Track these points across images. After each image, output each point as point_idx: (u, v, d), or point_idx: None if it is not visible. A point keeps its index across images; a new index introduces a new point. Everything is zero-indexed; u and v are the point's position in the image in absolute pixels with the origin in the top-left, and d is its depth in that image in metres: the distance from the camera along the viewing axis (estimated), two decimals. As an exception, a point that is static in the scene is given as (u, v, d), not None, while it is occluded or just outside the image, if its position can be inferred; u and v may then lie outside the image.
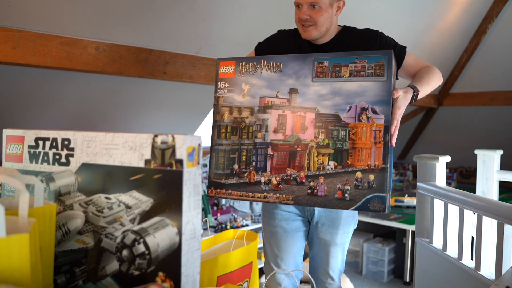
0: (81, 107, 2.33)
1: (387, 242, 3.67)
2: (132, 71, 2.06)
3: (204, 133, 3.48)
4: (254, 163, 1.40)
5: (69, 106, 2.28)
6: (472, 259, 1.69)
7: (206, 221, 3.19)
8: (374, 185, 1.27)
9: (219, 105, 1.47)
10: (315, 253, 1.69)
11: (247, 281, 2.41)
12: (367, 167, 1.28)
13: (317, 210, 1.62)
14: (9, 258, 0.55)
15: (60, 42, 1.79)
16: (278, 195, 1.36)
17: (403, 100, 1.36)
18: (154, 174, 0.70)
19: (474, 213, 1.67)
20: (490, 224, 1.55)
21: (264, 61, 1.42)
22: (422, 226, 2.04)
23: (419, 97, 1.47)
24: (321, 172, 1.33)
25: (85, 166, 0.76)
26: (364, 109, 1.30)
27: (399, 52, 1.55)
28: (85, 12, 1.80)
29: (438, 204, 1.91)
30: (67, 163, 0.78)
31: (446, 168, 2.06)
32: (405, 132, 6.01)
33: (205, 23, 2.24)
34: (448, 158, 2.01)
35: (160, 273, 0.69)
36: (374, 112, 1.29)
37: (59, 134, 0.80)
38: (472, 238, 1.72)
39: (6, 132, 0.85)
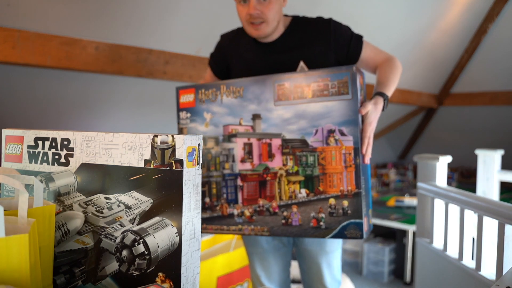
0: (80, 107, 2.33)
1: (387, 242, 3.66)
2: (132, 71, 2.06)
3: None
4: (225, 195, 1.35)
5: (69, 106, 2.28)
6: (472, 259, 1.69)
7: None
8: (349, 211, 1.21)
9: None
10: (307, 268, 1.57)
11: (247, 281, 2.41)
12: (340, 193, 1.23)
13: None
14: (9, 259, 0.55)
15: (59, 42, 1.79)
16: (252, 227, 1.32)
17: (373, 114, 1.28)
18: (154, 174, 0.69)
19: (474, 213, 1.67)
20: (490, 224, 1.55)
21: (223, 87, 1.35)
22: (422, 226, 2.03)
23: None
24: (293, 201, 1.27)
25: (84, 166, 0.76)
26: (331, 131, 1.23)
27: (356, 44, 1.42)
28: (85, 12, 1.79)
29: (439, 204, 1.91)
30: (66, 163, 0.78)
31: (447, 168, 2.06)
32: (406, 132, 6.01)
33: (205, 23, 2.24)
34: (449, 158, 2.01)
35: (160, 274, 0.69)
36: (342, 133, 1.22)
37: (59, 134, 0.79)
38: (473, 238, 1.71)
39: (6, 132, 0.85)
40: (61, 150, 0.79)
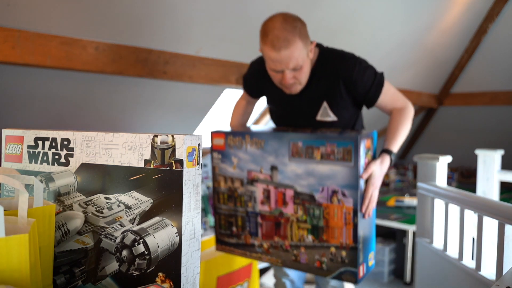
0: (80, 107, 2.33)
1: (387, 242, 3.66)
2: (132, 71, 2.06)
3: (203, 133, 3.48)
4: (248, 228, 1.56)
5: (69, 106, 2.28)
6: (472, 259, 1.69)
7: (206, 221, 3.19)
8: (346, 261, 1.39)
9: (216, 174, 1.61)
10: None
11: (247, 281, 2.41)
12: (339, 244, 1.40)
13: None
14: (9, 259, 0.55)
15: (59, 42, 1.79)
16: (269, 257, 1.53)
17: (377, 174, 1.42)
18: (154, 174, 0.69)
19: (474, 213, 1.67)
20: (490, 224, 1.55)
21: (247, 137, 1.51)
22: (422, 226, 2.03)
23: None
24: (301, 243, 1.47)
25: (84, 166, 0.76)
26: (334, 192, 1.39)
27: (374, 92, 1.51)
28: (85, 12, 1.79)
29: (439, 204, 1.91)
30: (66, 163, 0.78)
31: (447, 168, 2.06)
32: (405, 132, 6.01)
33: (205, 23, 2.23)
34: (449, 158, 2.01)
35: (160, 274, 0.69)
36: (344, 195, 1.38)
37: (59, 134, 0.79)
38: (473, 238, 1.71)
39: (5, 132, 0.85)
40: (61, 150, 0.79)
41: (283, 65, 1.39)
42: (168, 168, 0.68)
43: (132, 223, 0.71)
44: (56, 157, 0.79)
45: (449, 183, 4.73)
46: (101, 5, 1.80)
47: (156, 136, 0.69)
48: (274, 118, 1.75)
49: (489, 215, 1.48)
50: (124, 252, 0.71)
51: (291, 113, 1.63)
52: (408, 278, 3.46)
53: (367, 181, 1.41)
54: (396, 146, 1.50)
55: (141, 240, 0.70)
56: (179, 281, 0.68)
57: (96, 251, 0.74)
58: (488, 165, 2.55)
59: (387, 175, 5.52)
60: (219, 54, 2.48)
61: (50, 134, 0.80)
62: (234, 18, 2.33)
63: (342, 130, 1.51)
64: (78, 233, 0.76)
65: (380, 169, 1.43)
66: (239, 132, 1.54)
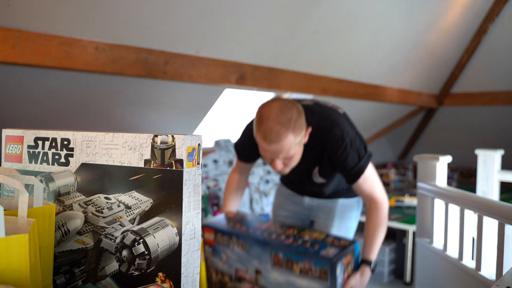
0: (80, 107, 2.33)
1: (387, 242, 3.66)
2: (132, 71, 2.06)
3: (203, 133, 3.47)
4: None
5: (69, 106, 2.28)
6: (472, 259, 1.69)
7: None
8: None
9: (208, 264, 1.66)
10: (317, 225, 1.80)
11: (247, 281, 2.41)
12: None
13: (313, 205, 1.80)
14: (9, 259, 0.55)
15: (59, 42, 1.79)
16: None
17: (358, 286, 1.45)
18: (154, 174, 0.69)
19: (474, 213, 1.67)
20: (490, 224, 1.55)
21: (234, 238, 1.55)
22: (422, 226, 2.03)
23: None
24: None
25: (84, 166, 0.76)
26: None
27: (352, 177, 1.52)
28: (85, 12, 1.79)
29: (439, 204, 1.91)
30: (66, 163, 0.78)
31: (447, 168, 2.06)
32: (405, 132, 6.01)
33: (205, 23, 2.23)
34: (449, 158, 2.01)
35: (160, 274, 0.69)
36: None
37: (59, 134, 0.79)
38: (473, 238, 1.71)
39: (5, 132, 0.85)
40: (61, 150, 0.79)
41: (273, 154, 1.41)
42: (168, 168, 0.68)
43: (132, 223, 0.71)
44: (56, 157, 0.79)
45: (449, 183, 4.74)
46: (101, 5, 1.80)
47: (156, 136, 0.69)
48: None
49: (489, 215, 1.48)
50: (124, 252, 0.71)
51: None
52: (408, 278, 3.46)
53: None
54: (375, 253, 1.53)
55: (141, 240, 0.70)
56: (179, 281, 0.68)
57: (96, 251, 0.74)
58: (488, 165, 2.55)
59: (386, 175, 5.52)
60: (219, 54, 2.48)
61: (50, 134, 0.80)
62: (234, 18, 2.32)
63: (323, 241, 1.48)
64: (78, 233, 0.76)
65: (360, 282, 1.47)
66: (227, 231, 1.57)
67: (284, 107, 1.39)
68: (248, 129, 1.68)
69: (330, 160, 1.52)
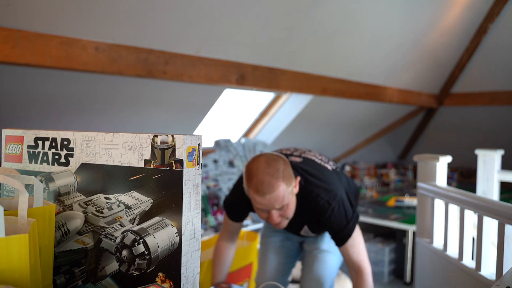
0: (80, 107, 2.33)
1: (387, 242, 3.66)
2: (132, 71, 2.06)
3: (203, 133, 3.47)
4: None
5: (69, 106, 2.28)
6: (472, 259, 1.69)
7: (206, 221, 3.19)
8: None
9: None
10: (304, 261, 1.83)
11: (247, 281, 2.41)
12: None
13: (304, 238, 1.83)
14: (9, 259, 0.55)
15: (59, 42, 1.79)
16: None
17: None
18: (154, 174, 0.69)
19: (474, 213, 1.67)
20: (490, 224, 1.55)
21: None
22: (422, 226, 2.03)
23: None
24: None
25: (84, 166, 0.76)
26: None
27: (338, 241, 1.53)
28: (85, 12, 1.79)
29: (439, 204, 1.91)
30: (66, 163, 0.78)
31: (447, 168, 2.06)
32: (405, 132, 6.01)
33: (205, 23, 2.23)
34: (449, 158, 2.01)
35: (160, 274, 0.69)
36: None
37: (59, 134, 0.79)
38: (473, 238, 1.71)
39: (6, 132, 0.85)
40: (61, 150, 0.79)
41: (269, 206, 1.42)
42: (168, 168, 0.68)
43: (132, 223, 0.71)
44: (56, 157, 0.79)
45: (449, 183, 4.74)
46: (101, 5, 1.80)
47: (156, 136, 0.69)
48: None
49: (489, 215, 1.48)
50: (124, 252, 0.71)
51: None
52: (408, 278, 3.46)
53: None
54: None
55: (141, 240, 0.70)
56: (179, 281, 0.68)
57: (96, 251, 0.74)
58: (488, 165, 2.55)
59: (386, 175, 5.52)
60: (219, 54, 2.48)
61: (50, 134, 0.80)
62: (234, 18, 2.33)
63: None
64: (78, 233, 0.76)
65: None
66: None
67: (270, 159, 1.42)
68: (238, 186, 1.65)
69: (318, 222, 1.54)
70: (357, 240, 1.55)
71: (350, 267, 1.58)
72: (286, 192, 1.41)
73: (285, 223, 1.51)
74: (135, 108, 2.58)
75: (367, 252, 1.60)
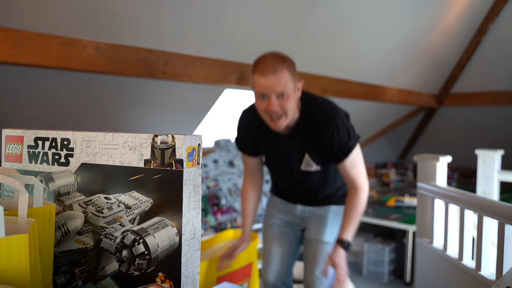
0: (80, 107, 2.33)
1: (387, 242, 3.66)
2: (132, 71, 2.06)
3: (203, 133, 3.47)
4: None
5: (69, 106, 2.28)
6: (472, 259, 1.69)
7: (206, 221, 3.19)
8: None
9: None
10: (306, 255, 1.83)
11: (247, 281, 2.41)
12: None
13: (305, 212, 1.81)
14: (9, 259, 0.55)
15: (59, 42, 1.79)
16: None
17: (337, 260, 1.57)
18: (154, 174, 0.69)
19: (474, 213, 1.67)
20: (491, 224, 1.55)
21: None
22: (422, 226, 2.03)
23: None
24: None
25: (84, 166, 0.76)
26: None
27: (340, 155, 1.59)
28: (85, 12, 1.79)
29: (439, 204, 1.91)
30: (66, 163, 0.78)
31: (447, 168, 2.06)
32: (406, 132, 6.01)
33: (205, 23, 2.23)
34: (449, 158, 2.01)
35: (160, 274, 0.69)
36: None
37: (59, 134, 0.79)
38: (473, 238, 1.71)
39: (6, 132, 0.85)
40: (61, 150, 0.79)
41: (269, 89, 1.45)
42: (168, 168, 0.68)
43: (132, 223, 0.71)
44: (56, 157, 0.79)
45: (449, 183, 4.74)
46: (101, 5, 1.80)
47: (156, 136, 0.69)
48: (267, 166, 1.85)
49: (489, 215, 1.48)
50: (124, 252, 0.71)
51: (280, 162, 1.72)
52: (408, 278, 3.46)
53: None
54: (350, 234, 1.62)
55: (141, 240, 0.70)
56: (179, 281, 0.68)
57: (96, 251, 0.74)
58: (488, 165, 2.55)
59: (386, 175, 5.52)
60: (219, 54, 2.48)
61: (50, 134, 0.80)
62: (234, 18, 2.33)
63: None
64: (78, 233, 0.76)
65: (338, 259, 1.58)
66: None
67: (278, 54, 1.50)
68: (243, 117, 1.74)
69: (320, 140, 1.57)
70: (357, 160, 1.61)
71: (347, 184, 1.66)
72: (289, 82, 1.46)
73: (283, 121, 1.51)
74: (135, 108, 2.58)
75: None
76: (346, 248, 1.60)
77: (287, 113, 1.50)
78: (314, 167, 1.66)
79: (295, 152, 1.64)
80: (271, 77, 1.43)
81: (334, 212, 1.78)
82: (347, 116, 1.67)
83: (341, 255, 1.59)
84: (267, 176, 3.91)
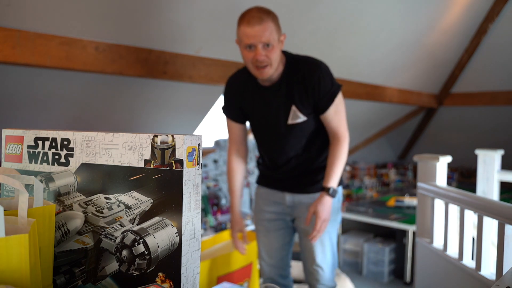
0: (80, 107, 2.33)
1: (387, 242, 3.66)
2: (132, 71, 2.06)
3: (203, 133, 3.47)
4: None
5: (69, 106, 2.28)
6: (472, 259, 1.69)
7: (206, 221, 3.19)
8: None
9: None
10: (302, 247, 1.83)
11: (247, 281, 2.41)
12: None
13: (294, 202, 1.80)
14: (9, 259, 0.55)
15: (59, 42, 1.79)
16: None
17: (322, 211, 1.61)
18: (154, 174, 0.69)
19: (474, 213, 1.67)
20: (491, 224, 1.55)
21: None
22: (422, 226, 2.03)
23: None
24: None
25: (84, 166, 0.76)
26: None
27: (325, 103, 1.64)
28: (85, 12, 1.79)
29: (439, 204, 1.91)
30: (66, 163, 0.78)
31: (447, 168, 2.06)
32: (406, 132, 6.01)
33: (205, 23, 2.24)
34: (449, 158, 2.01)
35: (160, 274, 0.69)
36: None
37: (59, 134, 0.79)
38: (473, 238, 1.71)
39: (6, 132, 0.85)
40: (61, 150, 0.79)
41: (256, 39, 1.52)
42: (168, 168, 0.68)
43: (132, 223, 0.71)
44: (56, 157, 0.79)
45: (449, 183, 4.74)
46: (101, 5, 1.80)
47: (156, 136, 0.69)
48: (253, 132, 1.87)
49: (489, 215, 1.48)
50: (124, 252, 0.71)
51: (266, 122, 1.74)
52: (408, 278, 3.46)
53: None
54: (334, 182, 1.66)
55: (141, 240, 0.70)
56: (179, 281, 0.68)
57: (96, 251, 0.74)
58: (488, 165, 2.55)
59: (386, 175, 5.52)
60: (219, 54, 2.48)
61: (50, 134, 0.80)
62: (234, 18, 2.32)
63: None
64: (78, 233, 0.76)
65: (322, 208, 1.62)
66: None
67: (262, 7, 1.57)
68: (229, 81, 1.80)
69: (306, 88, 1.62)
70: (340, 108, 1.68)
71: (330, 133, 1.71)
72: (274, 31, 1.54)
73: (268, 70, 1.58)
74: (135, 108, 2.58)
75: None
76: (332, 194, 1.64)
77: (272, 63, 1.57)
78: (302, 118, 1.68)
79: (282, 105, 1.67)
80: (257, 27, 1.50)
81: None
82: (328, 68, 1.73)
83: (326, 202, 1.62)
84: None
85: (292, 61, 1.66)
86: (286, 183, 1.80)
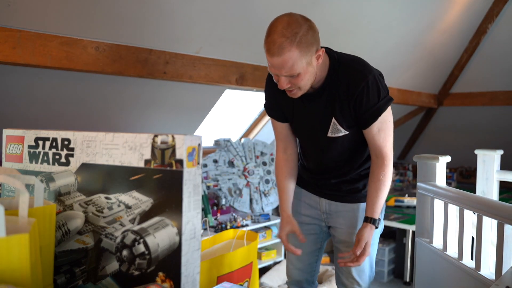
0: (81, 107, 2.33)
1: (387, 242, 3.67)
2: (132, 71, 2.06)
3: (204, 133, 3.48)
4: None
5: (69, 106, 2.28)
6: (472, 259, 1.69)
7: (206, 221, 3.19)
8: None
9: None
10: (337, 255, 1.70)
11: (247, 281, 2.41)
12: None
13: (331, 210, 1.67)
14: (9, 258, 0.55)
15: (60, 42, 1.79)
16: None
17: (367, 240, 1.45)
18: (154, 174, 0.70)
19: (474, 213, 1.67)
20: (490, 224, 1.55)
21: None
22: (422, 226, 2.04)
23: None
24: None
25: (85, 166, 0.76)
26: None
27: (368, 118, 1.43)
28: (85, 12, 1.79)
29: (438, 204, 1.91)
30: (67, 163, 0.78)
31: (446, 168, 2.06)
32: (405, 132, 6.01)
33: (205, 23, 2.24)
34: (448, 158, 2.01)
35: (160, 273, 0.69)
36: None
37: (59, 134, 0.80)
38: (472, 238, 1.71)
39: (6, 132, 0.85)
40: (62, 150, 0.79)
41: (276, 70, 1.34)
42: (168, 168, 0.68)
43: (133, 223, 0.72)
44: (57, 157, 0.79)
45: (448, 183, 4.74)
46: (101, 5, 1.80)
47: (156, 136, 0.70)
48: (294, 132, 1.71)
49: (488, 215, 1.48)
50: (125, 252, 0.71)
51: (305, 130, 1.59)
52: (407, 278, 3.46)
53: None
54: (377, 212, 1.48)
55: (141, 240, 0.70)
56: (179, 281, 0.68)
57: (97, 250, 0.74)
58: (488, 165, 2.55)
59: (387, 175, 5.51)
60: (219, 54, 2.48)
61: (50, 134, 0.81)
62: (234, 18, 2.33)
63: None
64: (78, 232, 0.76)
65: (365, 237, 1.46)
66: None
67: (293, 21, 1.33)
68: (268, 80, 1.60)
69: (348, 99, 1.42)
70: (386, 126, 1.45)
71: (372, 151, 1.49)
72: (298, 60, 1.31)
73: (297, 92, 1.40)
74: (135, 108, 2.58)
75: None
76: (376, 225, 1.46)
77: (301, 88, 1.39)
78: (342, 132, 1.50)
79: (322, 116, 1.49)
80: (276, 59, 1.30)
81: (364, 210, 1.62)
82: (380, 75, 1.47)
83: (368, 232, 1.44)
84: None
85: (337, 65, 1.44)
86: (323, 189, 1.68)
